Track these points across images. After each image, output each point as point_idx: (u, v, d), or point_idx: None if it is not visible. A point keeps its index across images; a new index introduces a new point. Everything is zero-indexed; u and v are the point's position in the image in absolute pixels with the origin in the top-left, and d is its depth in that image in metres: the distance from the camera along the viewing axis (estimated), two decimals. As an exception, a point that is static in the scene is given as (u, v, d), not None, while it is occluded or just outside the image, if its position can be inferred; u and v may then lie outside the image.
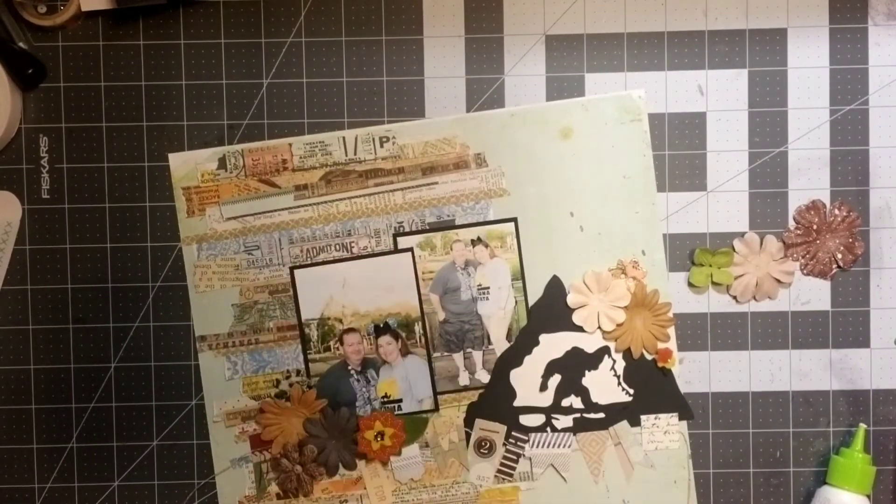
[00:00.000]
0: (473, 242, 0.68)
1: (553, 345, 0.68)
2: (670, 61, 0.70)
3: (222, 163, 0.68)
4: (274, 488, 0.69)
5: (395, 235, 0.68)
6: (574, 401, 0.68)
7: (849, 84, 0.70)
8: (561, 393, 0.68)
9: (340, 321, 0.68)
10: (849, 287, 0.70)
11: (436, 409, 0.68)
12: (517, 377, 0.68)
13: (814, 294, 0.70)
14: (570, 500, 0.68)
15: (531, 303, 0.68)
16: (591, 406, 0.68)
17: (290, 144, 0.68)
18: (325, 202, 0.68)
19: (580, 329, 0.68)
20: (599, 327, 0.68)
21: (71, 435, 0.70)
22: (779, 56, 0.70)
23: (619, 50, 0.70)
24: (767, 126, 0.70)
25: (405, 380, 0.68)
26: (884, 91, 0.70)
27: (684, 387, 0.69)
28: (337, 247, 0.68)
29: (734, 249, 0.69)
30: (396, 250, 0.68)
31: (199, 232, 0.68)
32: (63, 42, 0.70)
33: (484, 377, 0.68)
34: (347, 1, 0.70)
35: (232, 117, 0.70)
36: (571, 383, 0.68)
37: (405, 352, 0.68)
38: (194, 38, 0.70)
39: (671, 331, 0.68)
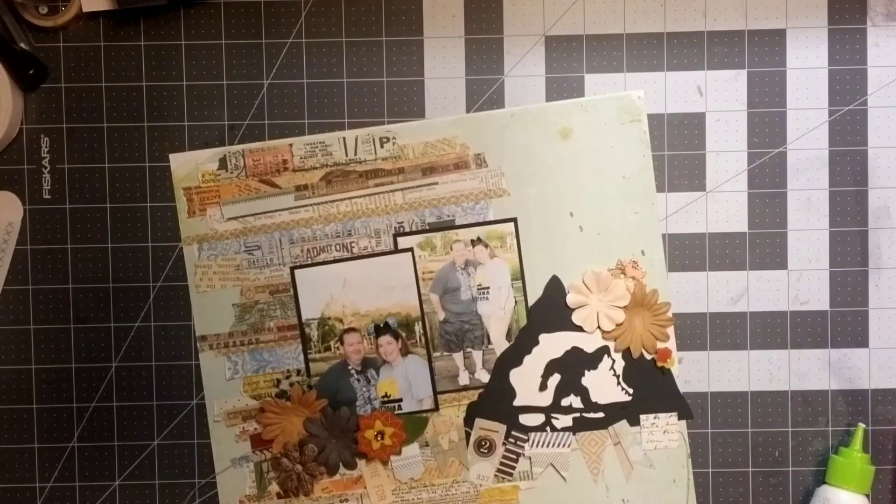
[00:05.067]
0: (473, 242, 0.68)
1: (553, 344, 0.68)
2: (669, 62, 0.70)
3: (223, 163, 0.68)
4: (274, 487, 0.69)
5: (395, 235, 0.68)
6: (574, 400, 0.69)
7: (847, 84, 0.70)
8: (560, 392, 0.68)
9: (341, 321, 0.68)
10: (847, 287, 0.70)
11: (436, 408, 0.69)
12: (517, 377, 0.68)
13: (812, 294, 0.70)
14: (569, 499, 0.68)
15: (531, 303, 0.68)
16: (590, 405, 0.69)
17: (291, 145, 0.68)
18: (326, 202, 0.68)
19: (580, 329, 0.68)
20: (599, 327, 0.68)
21: (72, 434, 0.71)
22: (778, 57, 0.70)
23: (619, 51, 0.70)
24: (766, 126, 0.70)
25: (405, 379, 0.68)
26: (882, 92, 0.70)
27: (683, 386, 0.69)
28: (337, 247, 0.68)
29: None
30: (396, 250, 0.68)
31: (199, 232, 0.68)
32: (64, 43, 0.70)
33: (484, 377, 0.69)
34: (347, 2, 0.70)
35: (232, 118, 0.70)
36: (571, 383, 0.68)
37: (405, 351, 0.68)
38: (195, 38, 0.70)
39: (670, 330, 0.68)
